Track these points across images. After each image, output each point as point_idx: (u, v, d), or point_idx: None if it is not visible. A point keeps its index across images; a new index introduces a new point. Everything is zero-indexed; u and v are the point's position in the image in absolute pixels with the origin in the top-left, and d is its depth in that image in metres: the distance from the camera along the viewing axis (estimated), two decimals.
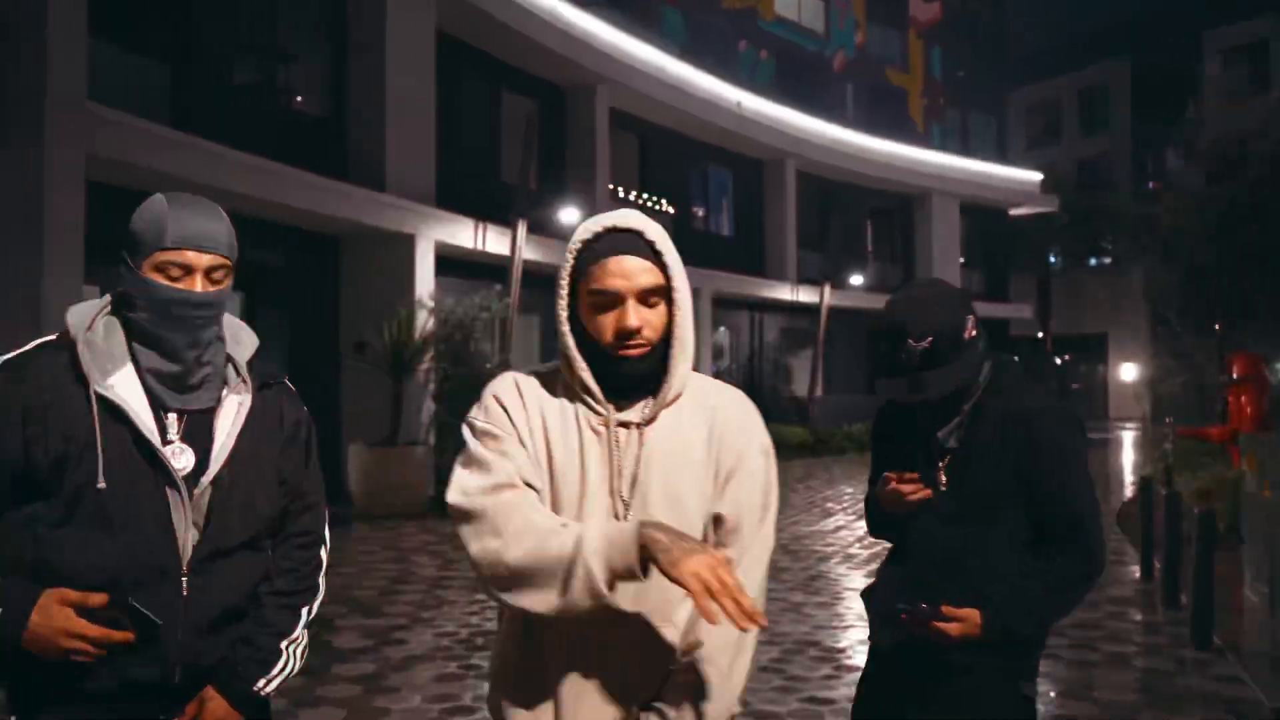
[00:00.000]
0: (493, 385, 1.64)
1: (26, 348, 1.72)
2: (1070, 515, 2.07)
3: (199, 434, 1.71)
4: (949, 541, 2.12)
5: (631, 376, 1.58)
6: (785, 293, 20.87)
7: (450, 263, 12.80)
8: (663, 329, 1.58)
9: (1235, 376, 10.24)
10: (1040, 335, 32.69)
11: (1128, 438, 24.97)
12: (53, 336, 1.74)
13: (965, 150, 27.99)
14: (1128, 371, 32.93)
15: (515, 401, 1.61)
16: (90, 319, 1.71)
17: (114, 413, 1.65)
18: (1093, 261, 36.92)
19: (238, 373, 1.79)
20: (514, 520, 1.49)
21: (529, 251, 12.75)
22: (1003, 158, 30.38)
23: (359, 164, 11.86)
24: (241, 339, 1.82)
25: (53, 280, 7.20)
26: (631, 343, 1.55)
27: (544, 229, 13.76)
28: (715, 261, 18.89)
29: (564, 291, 1.60)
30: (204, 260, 1.69)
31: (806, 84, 24.00)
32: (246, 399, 1.78)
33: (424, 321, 11.25)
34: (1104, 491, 13.14)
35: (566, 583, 1.43)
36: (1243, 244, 12.24)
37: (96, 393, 1.64)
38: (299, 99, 12.16)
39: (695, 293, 17.99)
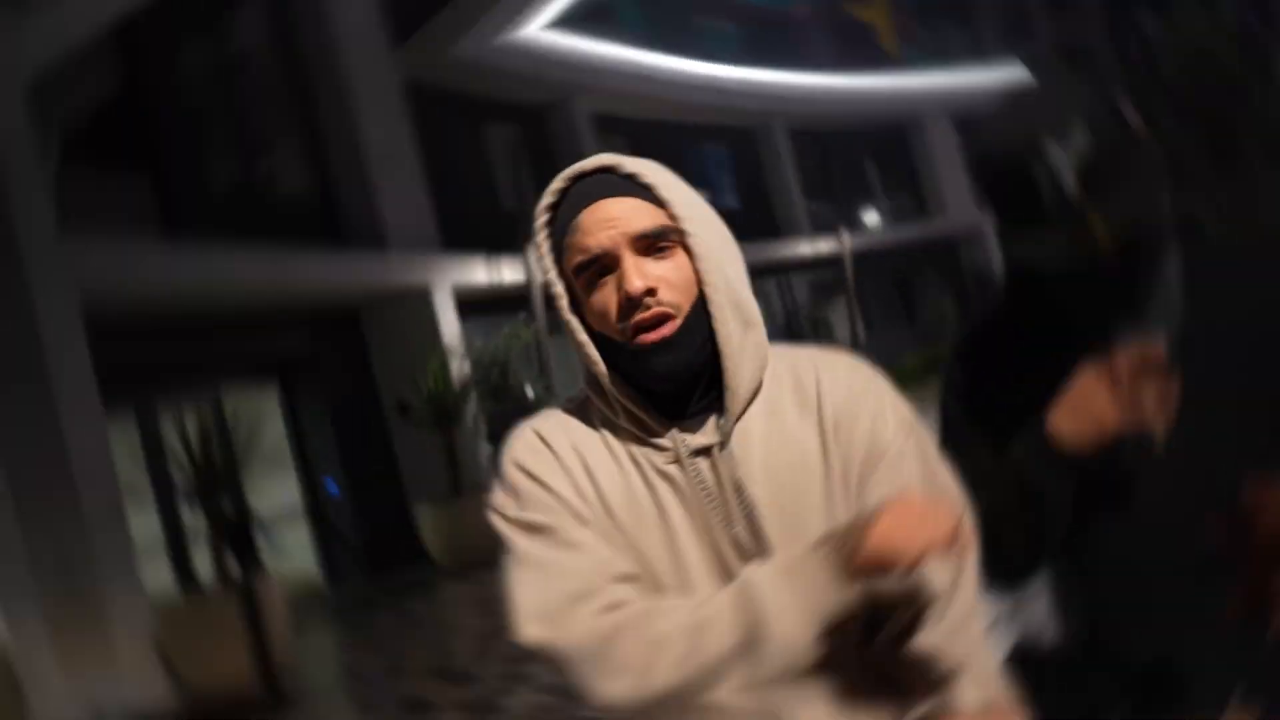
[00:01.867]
0: (509, 450, 1.15)
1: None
2: None
3: None
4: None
5: (672, 373, 1.07)
6: (805, 248, 20.47)
7: (473, 304, 12.58)
8: (691, 289, 1.08)
9: None
10: None
11: None
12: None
13: (946, 65, 27.41)
14: None
15: (547, 464, 1.11)
16: None
17: None
18: None
19: None
20: (636, 637, 1.00)
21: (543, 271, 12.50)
22: (983, 62, 29.73)
23: (356, 231, 11.66)
24: None
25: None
26: (643, 314, 1.05)
27: None
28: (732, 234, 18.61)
29: (557, 286, 1.14)
30: None
31: (774, 42, 23.58)
32: None
33: (458, 367, 11.04)
34: None
35: (750, 663, 0.97)
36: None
37: None
38: (283, 182, 11.93)
39: None
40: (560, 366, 13.42)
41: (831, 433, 1.10)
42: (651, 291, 1.05)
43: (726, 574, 1.06)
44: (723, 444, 1.08)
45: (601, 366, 1.09)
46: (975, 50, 30.48)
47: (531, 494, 1.11)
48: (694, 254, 1.08)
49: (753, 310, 1.11)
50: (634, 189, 1.08)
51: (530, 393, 11.02)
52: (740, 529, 1.07)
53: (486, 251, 12.51)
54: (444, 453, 10.39)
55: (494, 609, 7.51)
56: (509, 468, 1.14)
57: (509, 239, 12.89)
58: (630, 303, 1.04)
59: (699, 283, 1.08)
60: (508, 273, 12.63)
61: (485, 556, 9.67)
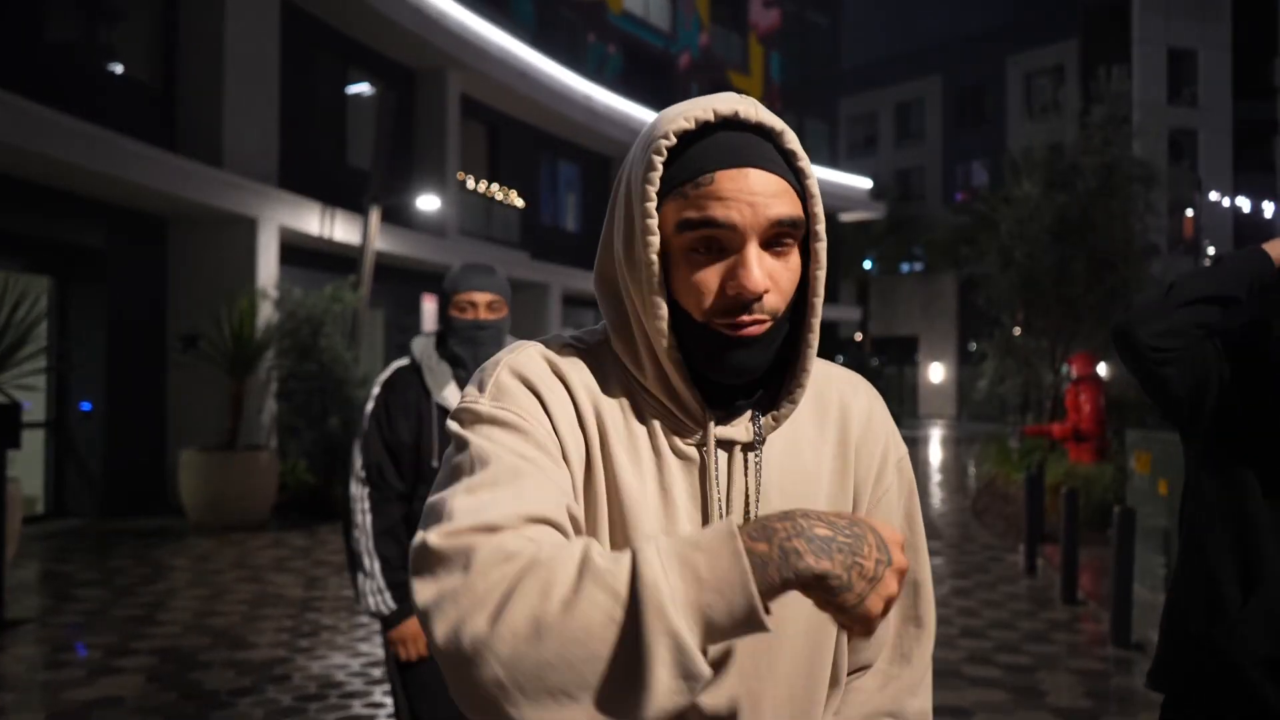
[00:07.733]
0: (509, 359, 1.00)
1: (393, 368, 2.63)
2: None
3: None
4: None
5: (744, 369, 0.96)
6: None
7: (294, 251, 11.78)
8: (791, 292, 0.98)
9: (1075, 376, 10.76)
10: (859, 336, 34.12)
11: (936, 434, 26.37)
12: (406, 361, 2.63)
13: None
14: (936, 372, 34.87)
15: (551, 385, 0.98)
16: (427, 349, 2.62)
17: (444, 414, 2.49)
18: (905, 268, 38.96)
19: None
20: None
21: (380, 241, 11.98)
22: (834, 163, 31.47)
23: (191, 136, 10.68)
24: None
25: None
26: (751, 316, 0.93)
27: (393, 218, 13.03)
28: (564, 257, 18.50)
29: (650, 221, 0.94)
30: (483, 298, 2.57)
31: (653, 81, 23.93)
32: None
33: (268, 313, 10.25)
34: (952, 485, 13.60)
35: (629, 677, 0.74)
36: (1072, 252, 12.98)
37: (435, 403, 2.56)
38: (123, 60, 10.70)
39: (544, 289, 17.53)
40: (367, 339, 12.87)
41: (853, 455, 1.08)
42: (767, 291, 0.94)
43: None
44: (755, 445, 1.01)
45: (667, 336, 0.97)
46: (831, 151, 32.21)
47: (518, 398, 0.96)
48: (815, 260, 1.00)
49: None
50: (784, 167, 0.96)
51: (339, 360, 10.30)
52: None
53: (324, 202, 11.79)
54: (230, 401, 9.59)
55: (261, 576, 6.92)
56: (503, 373, 0.98)
57: (348, 196, 12.30)
58: (745, 299, 0.92)
59: (804, 289, 1.00)
60: (340, 230, 11.95)
61: (245, 522, 8.85)
